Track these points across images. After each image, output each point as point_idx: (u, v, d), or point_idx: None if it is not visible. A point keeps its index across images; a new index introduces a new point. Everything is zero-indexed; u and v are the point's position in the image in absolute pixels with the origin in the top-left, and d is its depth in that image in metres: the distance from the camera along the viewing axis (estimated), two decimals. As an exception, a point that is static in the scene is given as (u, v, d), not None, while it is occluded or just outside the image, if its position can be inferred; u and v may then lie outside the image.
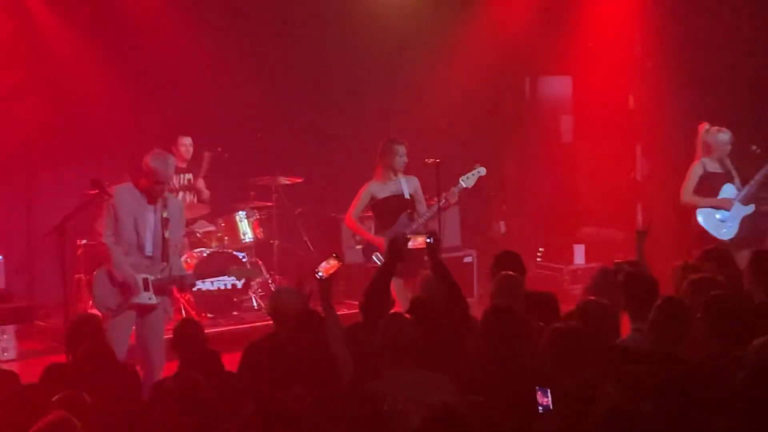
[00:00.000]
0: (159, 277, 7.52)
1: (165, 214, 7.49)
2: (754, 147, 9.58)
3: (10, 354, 9.96)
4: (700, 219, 9.51)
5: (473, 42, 12.43)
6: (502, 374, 5.38)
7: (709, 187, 9.50)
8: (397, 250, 6.65)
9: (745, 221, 9.47)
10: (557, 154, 13.06)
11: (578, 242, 12.61)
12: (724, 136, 9.49)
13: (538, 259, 12.68)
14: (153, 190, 7.44)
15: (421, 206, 9.00)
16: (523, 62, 12.80)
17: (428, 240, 6.75)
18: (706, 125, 9.60)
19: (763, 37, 11.05)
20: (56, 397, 4.86)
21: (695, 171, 9.54)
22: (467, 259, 11.88)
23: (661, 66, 11.85)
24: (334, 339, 6.17)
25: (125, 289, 7.43)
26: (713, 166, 9.52)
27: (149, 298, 7.48)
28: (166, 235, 7.51)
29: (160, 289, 7.57)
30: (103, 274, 7.46)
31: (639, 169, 12.26)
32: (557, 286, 11.66)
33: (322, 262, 6.57)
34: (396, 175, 8.95)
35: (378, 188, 8.98)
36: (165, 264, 7.55)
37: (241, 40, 11.98)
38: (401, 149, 8.93)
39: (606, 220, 12.53)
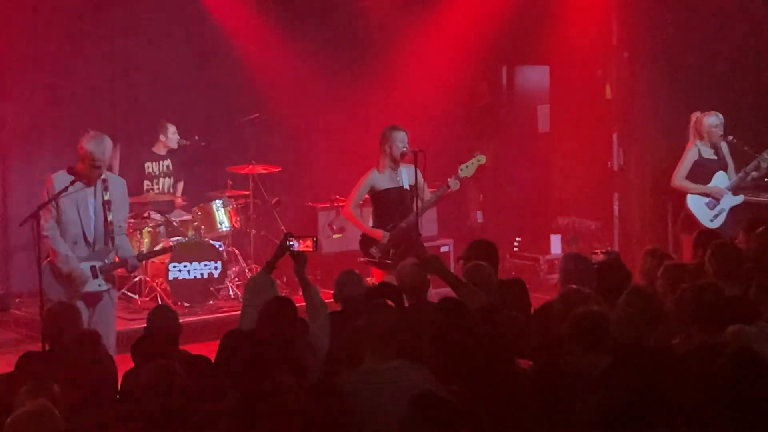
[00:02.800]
0: (106, 262, 7.47)
1: (106, 197, 7.41)
2: (730, 137, 9.59)
3: (-15, 343, 9.93)
4: (690, 205, 9.54)
5: (450, 30, 12.40)
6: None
7: (701, 173, 9.52)
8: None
9: (734, 212, 9.50)
10: (534, 144, 13.06)
11: (555, 232, 12.63)
12: (711, 119, 9.51)
13: (515, 249, 12.69)
14: (90, 174, 7.33)
15: (426, 194, 8.70)
16: (500, 51, 12.78)
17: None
18: (696, 113, 9.64)
19: (741, 26, 11.07)
20: (24, 387, 4.82)
21: (690, 155, 9.55)
22: (444, 249, 11.88)
23: (638, 56, 11.87)
24: (315, 314, 6.17)
25: (69, 281, 7.35)
26: (708, 153, 9.54)
27: (98, 285, 7.42)
28: (109, 218, 7.42)
29: (108, 276, 7.52)
30: (47, 269, 7.37)
31: (616, 159, 12.28)
32: (534, 276, 11.69)
33: (298, 238, 6.62)
34: (397, 164, 8.68)
35: (378, 178, 8.71)
36: (110, 248, 7.49)
37: (218, 28, 11.92)
38: (400, 135, 8.65)
39: (583, 209, 12.56)
